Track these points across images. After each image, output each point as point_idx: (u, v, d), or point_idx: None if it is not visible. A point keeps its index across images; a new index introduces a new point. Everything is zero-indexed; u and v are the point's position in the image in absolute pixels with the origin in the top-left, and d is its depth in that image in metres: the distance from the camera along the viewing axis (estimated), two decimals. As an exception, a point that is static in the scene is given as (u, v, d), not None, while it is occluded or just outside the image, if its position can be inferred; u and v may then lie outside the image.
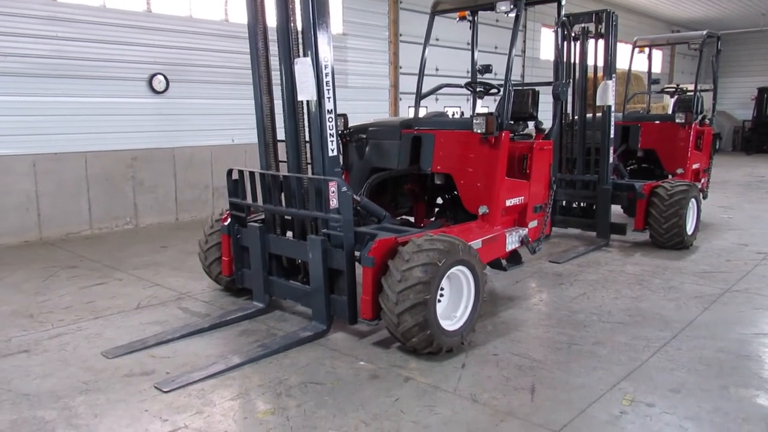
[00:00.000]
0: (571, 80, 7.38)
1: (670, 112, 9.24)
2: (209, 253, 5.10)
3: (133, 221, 8.19)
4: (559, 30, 6.71)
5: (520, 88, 5.64)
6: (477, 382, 3.54)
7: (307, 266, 4.36)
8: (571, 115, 7.55)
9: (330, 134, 4.07)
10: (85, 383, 3.51)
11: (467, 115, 6.12)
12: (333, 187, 4.06)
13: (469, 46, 6.44)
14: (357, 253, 4.07)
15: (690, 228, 6.90)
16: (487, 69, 5.91)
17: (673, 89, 9.57)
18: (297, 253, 4.48)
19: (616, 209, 7.63)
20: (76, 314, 4.72)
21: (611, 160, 7.22)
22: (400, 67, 11.73)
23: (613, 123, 7.15)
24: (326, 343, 4.12)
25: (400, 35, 11.68)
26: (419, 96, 5.98)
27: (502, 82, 4.89)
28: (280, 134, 4.51)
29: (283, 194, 4.52)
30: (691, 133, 8.07)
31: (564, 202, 7.76)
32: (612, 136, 7.16)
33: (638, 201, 6.93)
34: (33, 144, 7.17)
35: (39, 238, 7.33)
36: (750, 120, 21.71)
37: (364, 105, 10.78)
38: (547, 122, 5.67)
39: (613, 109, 7.12)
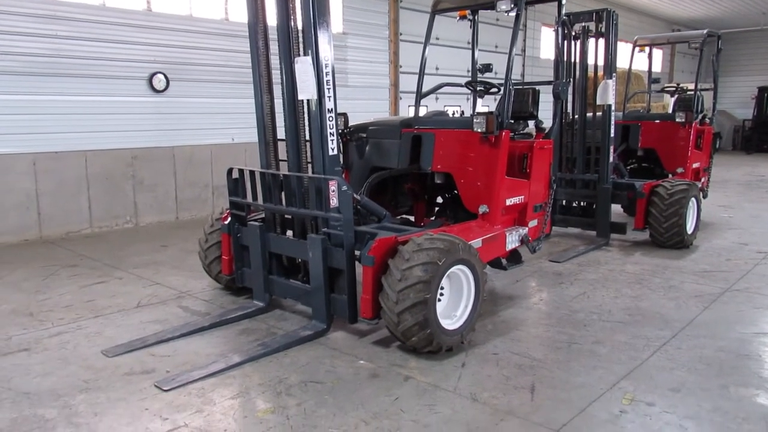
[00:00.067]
0: (571, 79, 7.38)
1: (670, 111, 9.23)
2: (209, 252, 5.10)
3: (133, 220, 8.19)
4: (560, 29, 6.71)
5: (521, 87, 5.64)
6: (477, 381, 3.54)
7: (307, 265, 4.36)
8: (571, 114, 7.54)
9: (330, 133, 4.06)
10: (85, 382, 3.52)
11: (467, 114, 6.11)
12: (333, 186, 4.06)
13: (470, 45, 6.44)
14: (357, 252, 4.07)
15: (690, 227, 6.90)
16: (487, 68, 5.91)
17: (674, 88, 9.57)
18: (297, 252, 4.48)
19: (616, 208, 7.62)
20: (76, 313, 4.72)
21: (611, 159, 7.22)
22: (401, 66, 11.72)
23: (613, 122, 7.15)
24: (326, 342, 4.13)
25: (401, 34, 11.67)
26: (419, 95, 5.98)
27: (503, 81, 4.88)
28: (281, 133, 4.51)
29: (283, 193, 4.52)
30: (692, 132, 8.07)
31: (564, 202, 7.76)
32: (612, 135, 7.16)
33: (638, 200, 6.94)
34: (33, 143, 7.17)
35: (39, 236, 7.33)
36: (750, 119, 21.70)
37: (365, 104, 10.78)
38: (547, 121, 5.67)
39: (613, 108, 7.12)
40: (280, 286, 4.63)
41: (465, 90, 6.15)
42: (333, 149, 4.09)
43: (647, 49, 9.41)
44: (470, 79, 6.21)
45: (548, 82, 5.78)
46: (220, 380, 3.54)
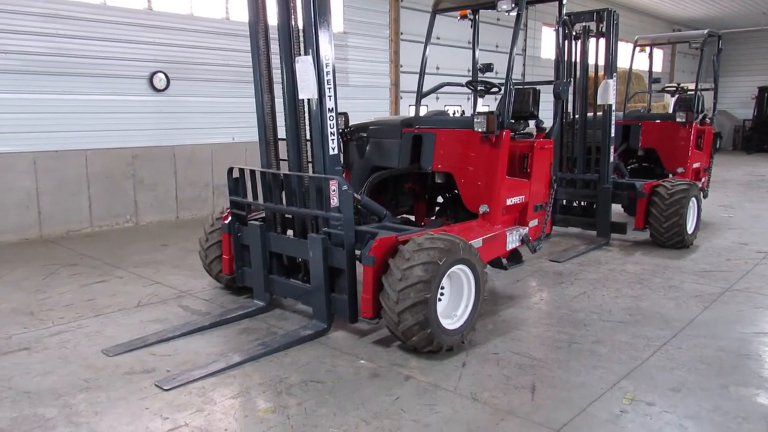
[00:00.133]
0: (572, 79, 7.38)
1: (670, 111, 9.23)
2: (210, 252, 5.10)
3: (133, 219, 8.19)
4: (560, 29, 6.71)
5: (521, 86, 5.64)
6: (477, 381, 3.54)
7: (307, 265, 4.36)
8: (571, 114, 7.55)
9: (331, 133, 4.06)
10: (85, 381, 3.52)
11: (468, 113, 6.11)
12: (333, 186, 4.06)
13: (470, 45, 6.44)
14: (357, 252, 4.07)
15: (690, 227, 6.90)
16: (488, 68, 5.91)
17: (674, 88, 9.57)
18: (297, 251, 4.48)
19: (616, 208, 7.62)
20: (76, 312, 4.72)
21: (612, 159, 7.22)
22: (401, 66, 11.72)
23: (613, 122, 7.15)
24: (327, 341, 4.13)
25: (401, 34, 11.67)
26: (420, 95, 5.98)
27: (503, 81, 4.88)
28: (281, 132, 4.51)
29: (283, 193, 4.52)
30: (692, 132, 8.07)
31: (564, 201, 7.76)
32: (613, 135, 7.16)
33: (639, 200, 6.93)
34: (33, 141, 7.18)
35: (39, 235, 7.33)
36: (750, 119, 21.70)
37: (365, 103, 10.78)
38: (547, 121, 5.67)
39: (613, 108, 7.12)
40: (281, 286, 4.63)
41: (465, 90, 6.15)
42: (333, 149, 4.09)
43: (648, 48, 9.41)
44: (471, 78, 6.21)
45: (549, 82, 5.78)
46: (221, 380, 3.54)
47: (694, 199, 6.86)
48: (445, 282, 3.94)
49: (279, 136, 4.60)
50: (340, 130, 5.26)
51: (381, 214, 4.74)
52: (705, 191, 8.82)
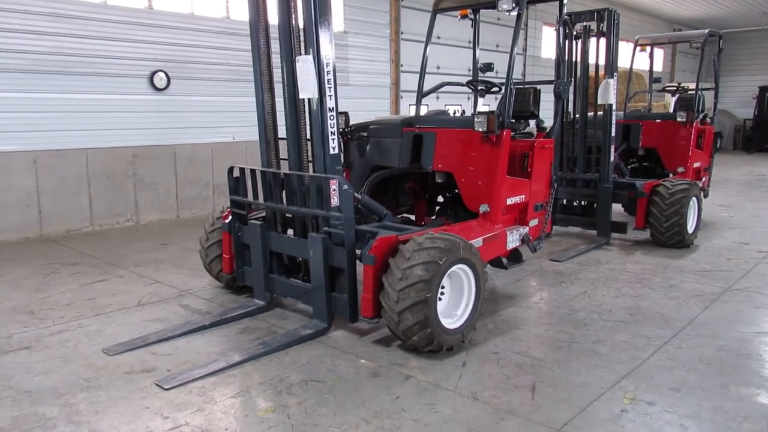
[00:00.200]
0: (572, 79, 7.37)
1: (671, 110, 9.24)
2: (210, 251, 5.10)
3: (133, 218, 8.20)
4: (561, 28, 6.70)
5: (522, 86, 5.64)
6: (478, 381, 3.54)
7: (307, 264, 4.36)
8: (572, 113, 7.54)
9: (331, 132, 4.06)
10: (86, 380, 3.52)
11: (468, 113, 6.11)
12: (334, 185, 4.06)
13: (471, 45, 6.44)
14: (358, 251, 4.07)
15: (691, 227, 6.90)
16: (488, 67, 5.91)
17: (675, 88, 9.57)
18: (298, 250, 4.48)
19: (616, 208, 7.62)
20: (76, 311, 4.72)
21: (612, 158, 7.22)
22: (401, 65, 11.72)
23: (614, 121, 7.14)
24: (327, 341, 4.13)
25: (402, 33, 11.67)
26: (420, 94, 5.98)
27: (504, 81, 4.88)
28: (282, 132, 4.51)
29: (284, 192, 4.52)
30: (693, 131, 8.07)
31: (565, 201, 7.76)
32: (613, 134, 7.16)
33: (639, 199, 6.93)
34: (34, 140, 7.18)
35: (39, 234, 7.33)
36: (751, 119, 21.68)
37: (365, 103, 10.77)
38: (548, 121, 5.67)
39: (614, 107, 7.12)
40: (281, 285, 4.63)
41: (466, 89, 6.15)
42: (334, 148, 4.09)
43: (648, 48, 9.41)
44: (471, 78, 6.20)
45: (549, 82, 5.78)
46: (221, 379, 3.54)
47: (694, 198, 6.86)
48: (445, 281, 3.94)
49: (279, 136, 4.60)
50: (341, 130, 5.25)
51: (381, 214, 4.74)
52: (705, 191, 8.82)
